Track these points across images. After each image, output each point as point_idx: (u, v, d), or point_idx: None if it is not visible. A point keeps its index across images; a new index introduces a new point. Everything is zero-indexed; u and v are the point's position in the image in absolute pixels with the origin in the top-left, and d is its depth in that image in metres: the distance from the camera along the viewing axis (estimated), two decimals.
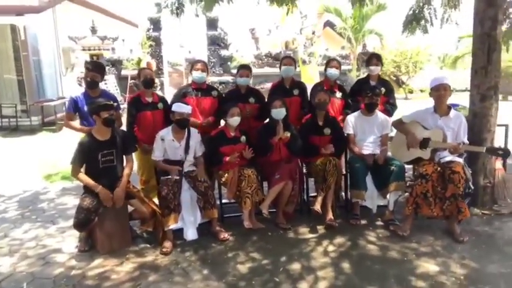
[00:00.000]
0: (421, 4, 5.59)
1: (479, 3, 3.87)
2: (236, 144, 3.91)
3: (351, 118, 4.13)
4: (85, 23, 12.00)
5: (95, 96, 3.84)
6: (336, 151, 4.00)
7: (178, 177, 3.69)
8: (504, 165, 4.42)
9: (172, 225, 3.55)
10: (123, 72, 12.26)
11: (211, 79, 11.84)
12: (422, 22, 5.66)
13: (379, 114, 4.11)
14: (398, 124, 3.98)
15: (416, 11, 5.60)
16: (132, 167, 3.67)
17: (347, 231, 3.73)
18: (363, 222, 3.92)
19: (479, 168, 4.08)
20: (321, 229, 3.81)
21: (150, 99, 4.01)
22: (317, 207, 3.77)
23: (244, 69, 4.42)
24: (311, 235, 3.72)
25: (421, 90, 16.90)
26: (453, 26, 6.08)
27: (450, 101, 4.85)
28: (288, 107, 4.31)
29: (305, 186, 4.24)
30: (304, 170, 4.23)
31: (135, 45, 13.67)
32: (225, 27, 13.57)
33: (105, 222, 3.48)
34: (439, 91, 3.63)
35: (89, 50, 11.55)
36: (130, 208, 3.69)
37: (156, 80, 12.04)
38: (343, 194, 4.28)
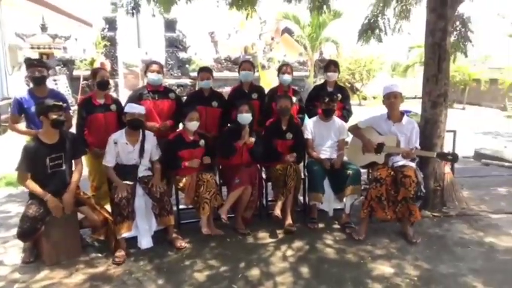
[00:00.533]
0: (376, 14, 5.80)
1: (431, 15, 4.04)
2: (195, 148, 3.82)
3: (309, 123, 4.18)
4: (34, 20, 11.33)
5: (42, 96, 3.61)
6: (297, 157, 4.02)
7: (132, 183, 3.56)
8: (452, 169, 4.65)
9: (126, 234, 3.40)
10: (75, 73, 11.72)
11: (169, 81, 11.61)
12: (377, 31, 5.88)
13: (336, 120, 4.18)
14: (354, 129, 4.07)
15: (371, 21, 5.80)
16: (82, 171, 3.48)
17: (305, 235, 3.75)
18: (320, 225, 3.96)
19: (430, 172, 4.25)
20: (280, 233, 3.80)
21: (102, 101, 3.83)
22: (277, 212, 3.75)
23: (205, 71, 4.37)
24: (270, 240, 3.69)
25: (374, 97, 17.56)
26: (404, 36, 6.38)
27: (403, 107, 5.06)
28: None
29: (264, 191, 4.22)
30: (264, 175, 4.22)
31: (89, 44, 13.13)
32: (184, 30, 13.39)
33: (53, 231, 3.27)
34: (390, 99, 3.76)
35: (38, 48, 10.89)
36: (80, 216, 3.50)
37: (111, 81, 11.66)
38: (301, 198, 4.31)
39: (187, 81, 12.63)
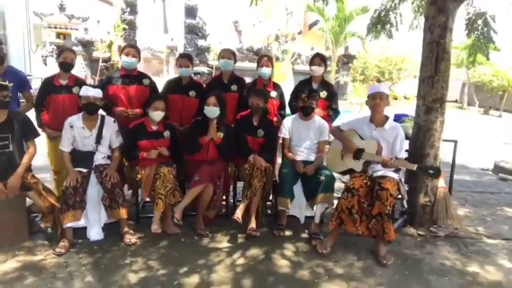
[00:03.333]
0: (388, 8, 5.31)
1: (430, 9, 3.55)
2: (158, 139, 3.57)
3: (288, 121, 3.82)
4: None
5: None
6: (267, 155, 3.69)
7: (86, 170, 3.36)
8: (451, 182, 4.15)
9: (71, 223, 3.21)
10: (95, 54, 11.79)
11: None
12: (388, 26, 5.39)
13: (317, 119, 3.80)
14: (336, 131, 3.68)
15: (382, 14, 5.32)
16: (33, 154, 3.31)
17: (267, 243, 3.41)
18: (288, 233, 3.61)
19: (420, 185, 3.79)
20: (240, 238, 3.50)
21: (64, 82, 3.64)
22: (237, 215, 3.44)
23: (184, 58, 4.11)
24: (227, 244, 3.40)
25: (405, 97, 16.80)
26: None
27: (402, 111, 4.58)
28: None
29: (233, 191, 3.93)
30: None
31: (112, 27, 13.19)
32: (207, 17, 13.18)
33: None
34: (375, 99, 3.32)
35: (55, 28, 10.98)
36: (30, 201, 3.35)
37: None
38: (273, 201, 3.98)
39: (205, 69, 12.43)
